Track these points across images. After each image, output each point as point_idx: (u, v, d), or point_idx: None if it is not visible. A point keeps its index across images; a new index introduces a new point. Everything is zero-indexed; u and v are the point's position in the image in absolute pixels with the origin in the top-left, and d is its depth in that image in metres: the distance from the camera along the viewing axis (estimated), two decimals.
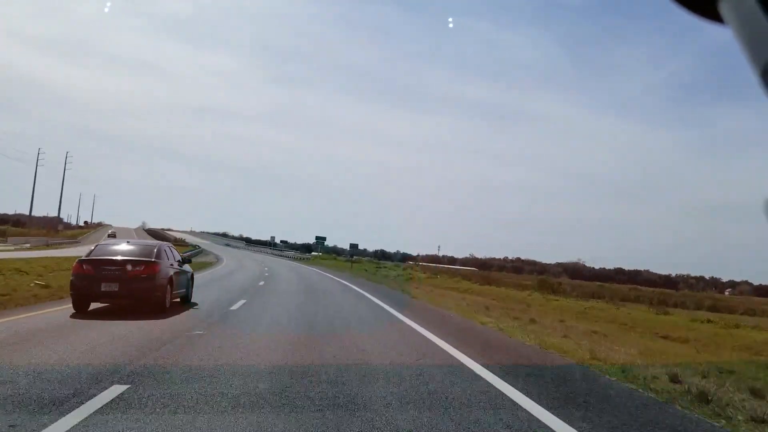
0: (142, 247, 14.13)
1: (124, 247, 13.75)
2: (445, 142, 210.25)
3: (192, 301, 15.19)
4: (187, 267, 15.70)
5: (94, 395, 5.22)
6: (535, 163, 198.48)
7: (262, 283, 25.00)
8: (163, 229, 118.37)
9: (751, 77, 0.81)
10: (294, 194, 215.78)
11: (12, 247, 50.56)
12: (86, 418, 4.58)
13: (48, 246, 56.23)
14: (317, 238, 67.95)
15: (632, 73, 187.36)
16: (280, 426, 4.60)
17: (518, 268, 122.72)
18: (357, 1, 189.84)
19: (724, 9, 0.88)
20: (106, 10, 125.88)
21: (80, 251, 41.30)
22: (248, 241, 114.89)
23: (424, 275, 46.49)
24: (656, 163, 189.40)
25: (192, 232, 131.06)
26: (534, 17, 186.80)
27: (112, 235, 70.14)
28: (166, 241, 36.14)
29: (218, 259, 52.62)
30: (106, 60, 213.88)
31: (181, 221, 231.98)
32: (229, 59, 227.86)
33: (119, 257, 12.99)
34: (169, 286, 13.31)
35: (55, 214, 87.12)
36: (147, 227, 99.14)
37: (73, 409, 4.76)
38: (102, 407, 4.88)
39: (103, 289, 12.34)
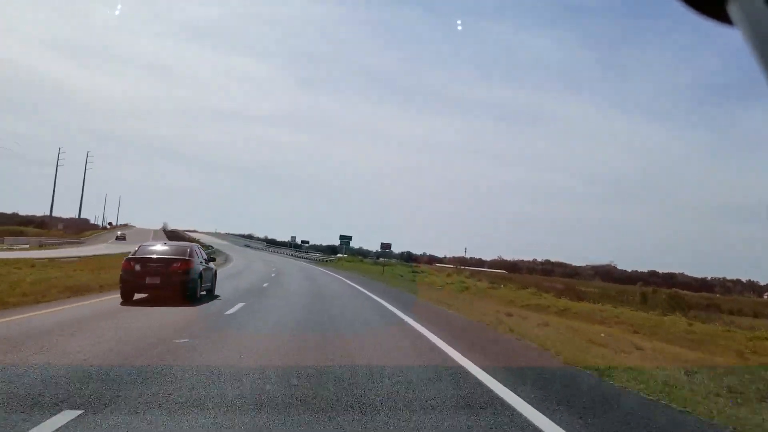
0: (177, 248, 17.08)
1: (162, 247, 16.76)
2: (469, 144, 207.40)
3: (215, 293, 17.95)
4: (211, 265, 18.60)
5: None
6: (559, 164, 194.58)
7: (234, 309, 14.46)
8: (184, 230, 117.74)
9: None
10: (318, 196, 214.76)
11: None
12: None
13: (41, 246, 52.41)
14: (342, 237, 59.38)
15: (654, 74, 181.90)
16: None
17: (548, 270, 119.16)
18: (376, 5, 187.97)
19: (733, 11, 0.88)
20: (117, 12, 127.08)
21: (68, 253, 39.74)
22: (270, 242, 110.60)
23: (481, 283, 33.94)
24: (684, 164, 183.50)
25: (216, 234, 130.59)
26: (551, 19, 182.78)
27: (122, 237, 68.45)
28: (183, 240, 38.29)
29: (226, 260, 51.12)
30: (127, 64, 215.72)
31: (207, 223, 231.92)
32: (250, 63, 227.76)
33: (160, 256, 15.78)
34: (199, 280, 16.05)
35: (84, 216, 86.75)
36: (168, 228, 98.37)
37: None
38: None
39: (147, 282, 15.07)
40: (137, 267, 15.30)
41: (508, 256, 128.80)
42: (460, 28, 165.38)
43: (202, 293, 16.49)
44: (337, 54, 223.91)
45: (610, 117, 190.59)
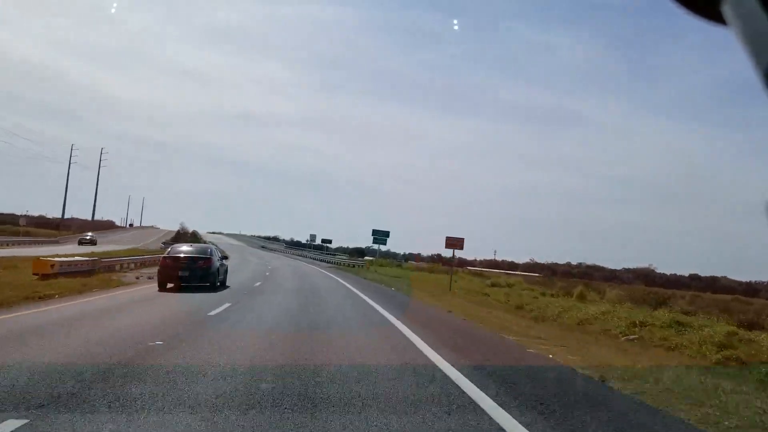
0: (201, 248, 22.57)
1: (188, 248, 22.15)
2: (497, 146, 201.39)
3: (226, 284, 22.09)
4: (224, 262, 23.28)
5: (212, 310, 13.64)
6: (591, 167, 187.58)
7: None
8: (194, 231, 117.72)
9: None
10: (344, 199, 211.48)
11: None
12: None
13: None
14: (376, 234, 44.94)
15: (688, 73, 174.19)
16: None
17: (585, 273, 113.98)
18: (400, 8, 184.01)
19: (726, 10, 0.88)
20: (113, 11, 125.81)
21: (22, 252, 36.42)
22: (293, 244, 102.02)
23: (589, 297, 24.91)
24: (725, 164, 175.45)
25: (233, 235, 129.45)
26: (576, 18, 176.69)
27: (89, 241, 59.40)
28: (195, 241, 44.66)
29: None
30: (156, 69, 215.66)
31: (232, 225, 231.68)
32: (274, 67, 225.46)
33: (188, 255, 20.66)
34: (217, 273, 20.80)
35: (110, 218, 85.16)
36: (185, 230, 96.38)
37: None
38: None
39: (179, 274, 19.75)
40: (171, 263, 20.18)
41: (541, 259, 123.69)
42: (456, 27, 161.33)
43: (217, 284, 20.95)
44: (360, 56, 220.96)
45: (643, 118, 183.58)
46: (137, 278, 24.66)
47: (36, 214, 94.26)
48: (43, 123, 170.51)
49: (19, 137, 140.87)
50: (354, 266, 53.95)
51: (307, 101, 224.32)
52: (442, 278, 35.26)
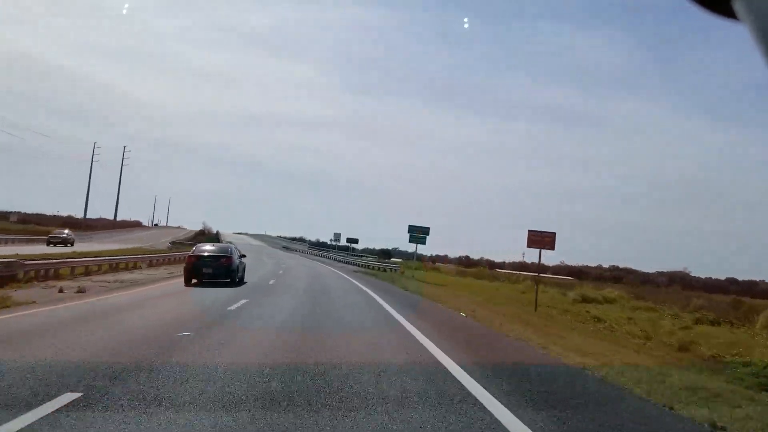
0: (222, 247, 25.21)
1: (212, 247, 24.65)
2: (524, 147, 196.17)
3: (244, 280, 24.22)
4: (242, 260, 24.74)
5: (234, 303, 15.36)
6: (620, 168, 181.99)
7: None
8: (217, 231, 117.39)
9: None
10: (370, 200, 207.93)
11: None
12: (236, 308, 14.48)
13: None
14: (414, 231, 38.90)
15: (719, 73, 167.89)
16: None
17: (618, 277, 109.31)
18: (430, 10, 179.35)
19: (738, 6, 0.87)
20: (124, 12, 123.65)
21: None
22: (318, 245, 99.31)
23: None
24: (754, 167, 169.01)
25: (262, 236, 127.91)
26: (613, 18, 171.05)
27: (61, 241, 50.55)
28: (215, 240, 49.15)
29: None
30: (185, 72, 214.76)
31: (259, 226, 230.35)
32: (305, 70, 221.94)
33: (211, 253, 22.98)
34: (236, 270, 23.05)
35: (138, 218, 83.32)
36: (207, 230, 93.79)
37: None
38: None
39: (204, 271, 22.08)
40: (196, 260, 22.21)
41: (572, 262, 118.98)
42: (466, 26, 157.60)
43: (237, 280, 22.78)
44: (389, 59, 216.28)
45: (675, 119, 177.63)
46: (79, 291, 17.27)
47: (65, 214, 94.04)
48: (75, 125, 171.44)
49: (51, 138, 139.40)
50: (385, 270, 44.75)
51: (337, 103, 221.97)
52: (503, 288, 29.33)
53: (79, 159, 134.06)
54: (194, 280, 21.82)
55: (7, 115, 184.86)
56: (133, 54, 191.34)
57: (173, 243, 45.48)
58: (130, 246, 47.59)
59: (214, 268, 22.03)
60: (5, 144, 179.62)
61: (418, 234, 39.76)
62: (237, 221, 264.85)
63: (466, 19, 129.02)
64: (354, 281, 30.30)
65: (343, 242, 72.75)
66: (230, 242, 40.93)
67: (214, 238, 66.85)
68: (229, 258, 22.66)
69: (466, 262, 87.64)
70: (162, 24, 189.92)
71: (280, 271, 34.92)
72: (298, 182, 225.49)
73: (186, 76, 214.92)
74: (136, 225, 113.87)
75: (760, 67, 0.90)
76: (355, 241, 73.25)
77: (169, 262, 36.01)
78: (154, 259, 34.42)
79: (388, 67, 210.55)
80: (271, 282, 25.56)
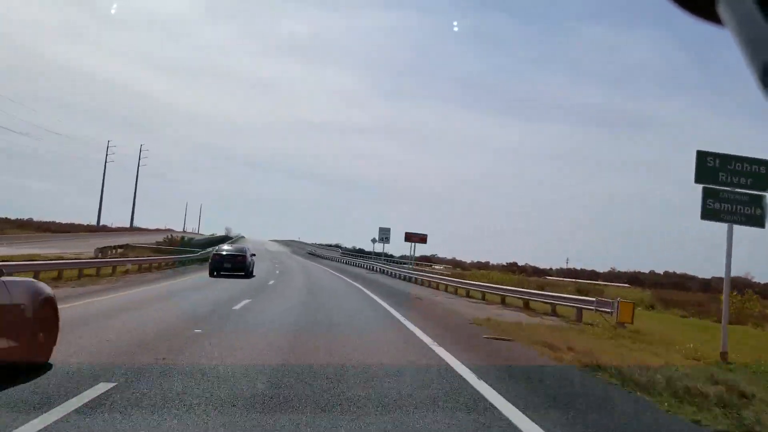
0: (238, 248, 32.01)
1: (229, 247, 33.04)
2: (564, 151, 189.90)
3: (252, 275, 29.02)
4: (253, 258, 31.07)
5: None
6: (669, 172, 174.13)
7: None
8: (230, 232, 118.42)
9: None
10: (410, 206, 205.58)
11: None
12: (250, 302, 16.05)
13: None
14: (382, 232, 43.44)
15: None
16: None
17: (678, 283, 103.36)
18: (467, 13, 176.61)
19: (722, 10, 0.88)
20: (113, 11, 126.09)
21: None
22: (347, 251, 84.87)
23: None
24: None
25: (287, 241, 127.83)
26: (653, 17, 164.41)
27: None
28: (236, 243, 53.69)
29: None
30: (227, 81, 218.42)
31: (294, 232, 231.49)
32: (343, 76, 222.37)
33: (229, 253, 29.53)
34: (250, 266, 29.23)
35: (171, 225, 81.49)
36: (229, 233, 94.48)
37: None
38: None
39: (224, 266, 27.59)
40: (219, 257, 28.59)
41: (623, 267, 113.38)
42: (456, 29, 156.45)
43: (249, 273, 28.54)
44: (425, 64, 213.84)
45: (722, 121, 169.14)
46: None
47: (112, 222, 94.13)
48: (125, 135, 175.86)
49: (96, 146, 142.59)
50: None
51: (376, 109, 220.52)
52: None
53: (122, 165, 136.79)
54: (215, 273, 27.59)
55: (47, 120, 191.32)
56: (173, 63, 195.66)
57: (102, 249, 37.98)
58: (47, 251, 34.45)
59: (233, 264, 27.82)
60: (45, 150, 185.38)
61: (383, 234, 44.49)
62: (274, 228, 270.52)
63: (455, 23, 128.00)
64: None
65: (377, 244, 57.93)
66: (239, 244, 46.94)
67: (217, 240, 64.83)
68: (244, 256, 28.91)
69: (511, 268, 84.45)
70: (203, 34, 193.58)
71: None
72: (339, 189, 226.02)
73: (230, 85, 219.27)
74: (124, 230, 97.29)
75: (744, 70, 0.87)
76: (386, 238, 55.12)
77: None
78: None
79: (426, 71, 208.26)
80: None
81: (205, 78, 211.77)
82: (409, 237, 49.20)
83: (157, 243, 52.82)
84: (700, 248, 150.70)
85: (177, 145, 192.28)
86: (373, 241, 56.18)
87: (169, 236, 62.34)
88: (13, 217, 75.27)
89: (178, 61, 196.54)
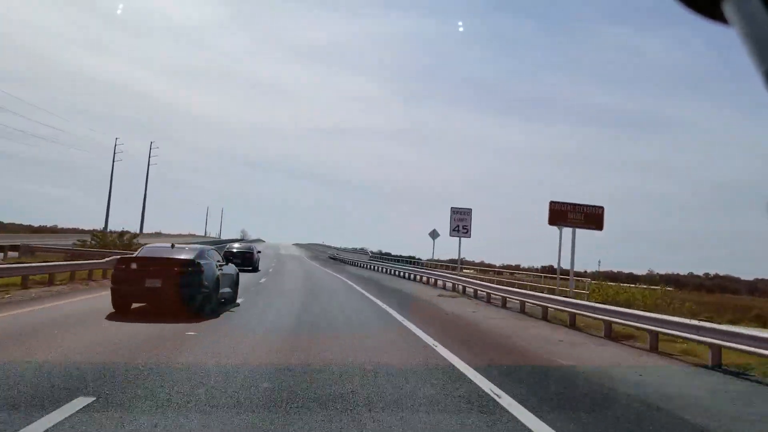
0: (246, 246, 42.14)
1: (239, 245, 44.13)
2: (586, 153, 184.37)
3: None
4: (259, 255, 38.63)
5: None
6: (698, 174, 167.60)
7: None
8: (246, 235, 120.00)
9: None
10: (431, 211, 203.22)
11: None
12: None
13: None
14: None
15: None
16: None
17: (723, 286, 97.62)
18: (483, 15, 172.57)
19: (728, 9, 0.87)
20: (119, 12, 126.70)
21: None
22: (375, 255, 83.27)
23: None
24: None
25: (311, 245, 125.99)
26: (674, 18, 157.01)
27: None
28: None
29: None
30: (248, 88, 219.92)
31: (319, 237, 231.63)
32: (362, 82, 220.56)
33: (239, 250, 37.11)
34: (256, 262, 36.39)
35: (192, 230, 79.09)
36: (244, 236, 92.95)
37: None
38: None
39: (235, 261, 23.19)
40: (230, 255, 29.11)
41: (662, 270, 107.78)
42: (461, 29, 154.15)
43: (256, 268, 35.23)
44: (442, 68, 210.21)
45: (740, 121, 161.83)
46: None
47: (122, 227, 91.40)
48: (142, 141, 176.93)
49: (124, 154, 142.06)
50: None
51: (396, 114, 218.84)
52: None
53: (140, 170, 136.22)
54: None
55: (72, 128, 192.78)
56: (193, 70, 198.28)
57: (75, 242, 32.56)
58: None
59: (241, 260, 29.79)
60: (69, 157, 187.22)
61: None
62: (297, 232, 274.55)
63: (460, 23, 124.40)
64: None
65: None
66: (247, 244, 54.24)
67: (219, 241, 70.33)
68: (251, 254, 35.79)
69: (545, 271, 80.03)
70: (222, 41, 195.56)
71: None
72: (363, 195, 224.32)
73: (244, 90, 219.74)
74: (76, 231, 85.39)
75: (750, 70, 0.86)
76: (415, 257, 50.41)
77: None
78: None
79: (444, 76, 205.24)
80: None
81: (229, 85, 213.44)
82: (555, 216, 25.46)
83: (75, 245, 35.83)
84: (744, 250, 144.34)
85: (197, 151, 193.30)
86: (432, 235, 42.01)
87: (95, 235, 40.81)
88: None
89: (199, 68, 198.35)
